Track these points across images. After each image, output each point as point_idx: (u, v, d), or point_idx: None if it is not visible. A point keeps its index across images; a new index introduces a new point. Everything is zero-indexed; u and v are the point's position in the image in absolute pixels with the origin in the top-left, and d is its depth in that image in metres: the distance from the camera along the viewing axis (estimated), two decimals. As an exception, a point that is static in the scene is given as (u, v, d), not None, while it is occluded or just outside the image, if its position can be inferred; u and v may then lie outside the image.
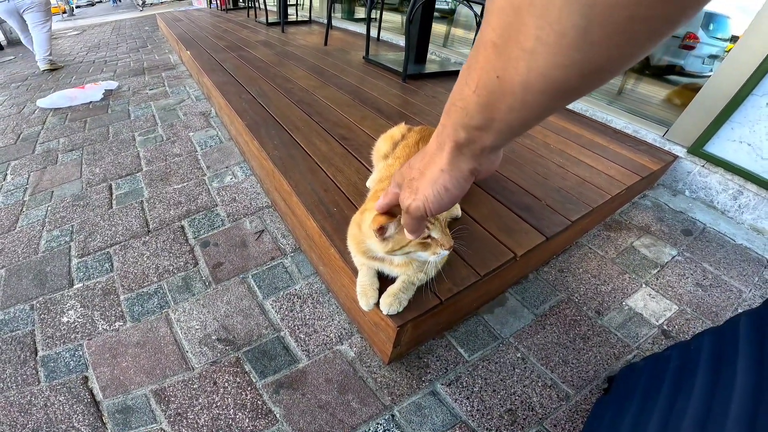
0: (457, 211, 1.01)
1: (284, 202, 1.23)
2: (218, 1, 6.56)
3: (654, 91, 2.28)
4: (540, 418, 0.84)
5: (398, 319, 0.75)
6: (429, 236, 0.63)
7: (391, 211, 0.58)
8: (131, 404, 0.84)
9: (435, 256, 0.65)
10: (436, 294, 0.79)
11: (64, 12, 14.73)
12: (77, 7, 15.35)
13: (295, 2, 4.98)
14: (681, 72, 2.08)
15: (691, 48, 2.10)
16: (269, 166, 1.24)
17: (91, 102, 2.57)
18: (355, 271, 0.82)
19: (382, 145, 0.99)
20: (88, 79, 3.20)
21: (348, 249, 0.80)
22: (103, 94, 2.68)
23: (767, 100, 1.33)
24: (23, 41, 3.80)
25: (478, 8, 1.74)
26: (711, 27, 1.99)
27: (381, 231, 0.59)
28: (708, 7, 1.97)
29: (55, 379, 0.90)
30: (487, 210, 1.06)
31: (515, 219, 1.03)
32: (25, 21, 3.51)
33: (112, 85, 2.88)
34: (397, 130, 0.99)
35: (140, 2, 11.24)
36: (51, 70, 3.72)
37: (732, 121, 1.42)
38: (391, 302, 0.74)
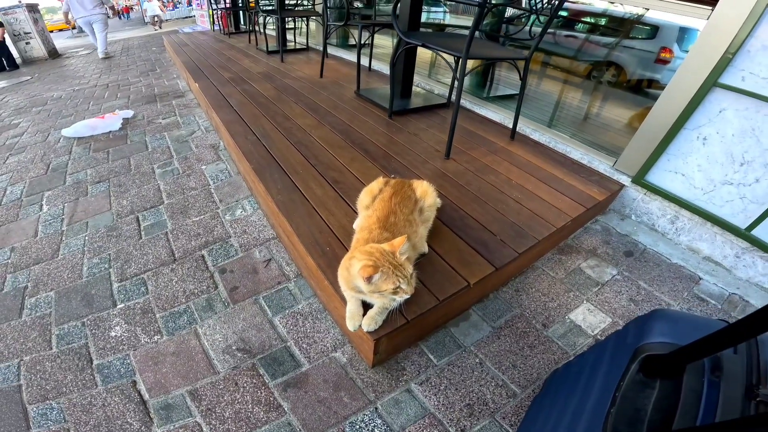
0: (425, 248, 1.26)
1: (287, 238, 1.48)
2: (221, 24, 6.87)
3: (618, 115, 2.53)
4: (492, 412, 1.08)
5: (374, 335, 1.00)
6: (399, 287, 0.91)
7: (376, 264, 0.86)
8: (172, 402, 1.09)
9: (400, 298, 0.94)
10: (404, 315, 1.05)
11: (74, 28, 15.01)
12: (72, 28, 15.75)
13: (293, 26, 5.27)
14: (657, 86, 2.27)
15: (666, 62, 2.32)
16: (274, 208, 1.50)
17: (110, 132, 2.82)
18: (343, 299, 1.08)
19: (363, 198, 1.26)
20: (105, 107, 3.48)
21: (339, 283, 1.07)
22: (122, 123, 2.93)
23: (698, 134, 1.55)
24: (91, 39, 6.60)
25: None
26: (684, 42, 2.19)
27: (368, 279, 0.87)
28: (682, 22, 2.20)
29: (109, 383, 1.15)
30: (449, 245, 1.31)
31: (472, 253, 1.29)
32: (92, 28, 6.14)
33: (129, 113, 3.14)
34: (376, 185, 1.26)
35: (156, 27, 12.05)
36: (106, 58, 6.32)
37: (668, 153, 1.65)
38: (369, 323, 1.00)
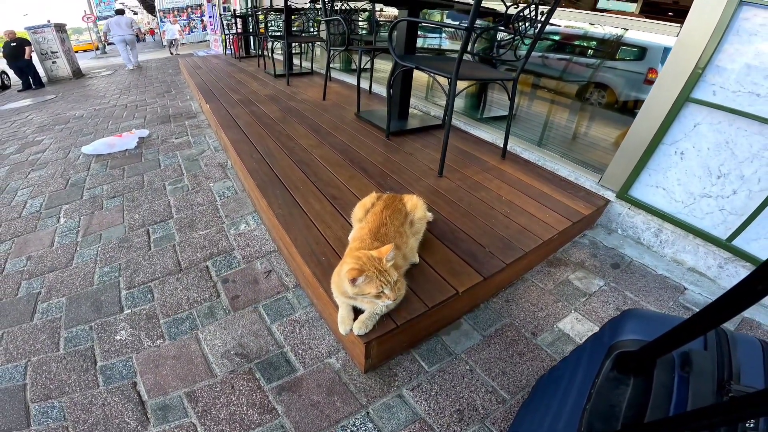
0: (415, 258, 1.29)
1: (287, 250, 1.52)
2: (233, 48, 7.16)
3: (606, 134, 2.58)
4: (482, 417, 1.08)
5: (365, 338, 1.02)
6: (382, 291, 0.94)
7: (362, 268, 0.89)
8: (169, 403, 1.10)
9: (383, 304, 0.98)
10: (393, 320, 1.07)
11: (97, 49, 15.85)
12: (109, 44, 16.50)
13: (299, 52, 5.47)
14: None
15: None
16: (275, 222, 1.54)
17: (126, 150, 2.92)
18: (337, 306, 1.10)
19: (357, 211, 1.31)
20: (123, 126, 3.61)
21: (332, 290, 1.10)
22: (137, 142, 3.04)
23: (675, 149, 1.57)
24: (122, 55, 8.41)
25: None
26: None
27: (353, 281, 0.90)
28: (668, 43, 2.26)
29: (110, 383, 1.16)
30: (440, 257, 1.34)
31: (461, 263, 1.31)
32: (125, 45, 8.03)
33: (144, 132, 3.25)
34: (369, 200, 1.31)
35: (172, 50, 12.25)
36: (135, 69, 8.09)
37: (648, 168, 1.68)
38: (360, 326, 1.02)
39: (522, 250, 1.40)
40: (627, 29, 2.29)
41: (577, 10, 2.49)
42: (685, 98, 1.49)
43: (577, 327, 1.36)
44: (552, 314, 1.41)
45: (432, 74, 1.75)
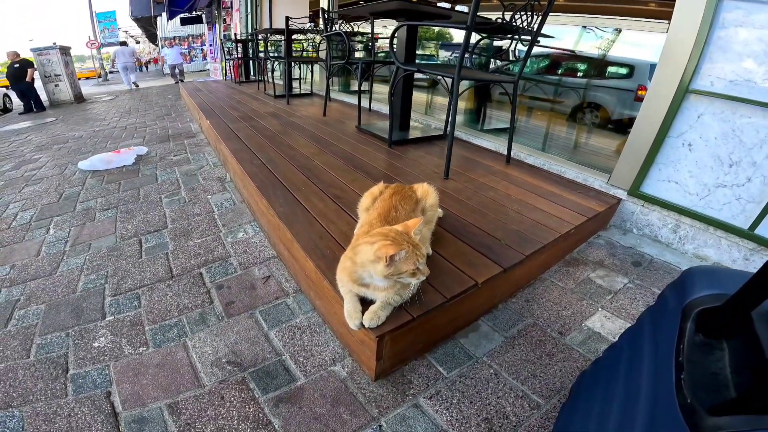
0: (428, 250, 1.15)
1: (287, 251, 1.37)
2: (232, 74, 7.27)
3: (606, 143, 2.53)
4: (514, 425, 0.90)
5: (377, 331, 0.86)
6: (418, 268, 0.81)
7: (399, 244, 0.76)
8: (146, 415, 0.91)
9: (417, 281, 0.84)
10: (409, 312, 0.91)
11: (99, 76, 15.66)
12: (110, 72, 16.23)
13: (298, 76, 5.53)
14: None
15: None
16: (275, 220, 1.41)
17: (124, 166, 2.80)
18: (343, 300, 0.95)
19: (364, 201, 1.18)
20: (121, 144, 3.50)
21: (337, 282, 0.95)
22: (135, 158, 2.92)
23: (682, 141, 1.50)
24: (123, 78, 10.25)
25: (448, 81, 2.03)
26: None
27: (391, 258, 0.77)
28: (655, 59, 2.28)
29: (81, 393, 0.97)
30: (453, 249, 1.20)
31: (477, 255, 1.17)
32: (126, 70, 9.88)
33: (143, 150, 3.14)
34: (376, 188, 1.19)
35: (177, 79, 10.86)
36: (133, 89, 9.39)
37: (658, 163, 1.60)
38: (371, 317, 0.86)
39: (540, 242, 1.26)
40: (620, 30, 2.31)
41: (570, 14, 2.51)
42: (684, 90, 1.46)
43: (608, 325, 1.20)
44: (578, 313, 1.25)
45: (434, 75, 1.70)
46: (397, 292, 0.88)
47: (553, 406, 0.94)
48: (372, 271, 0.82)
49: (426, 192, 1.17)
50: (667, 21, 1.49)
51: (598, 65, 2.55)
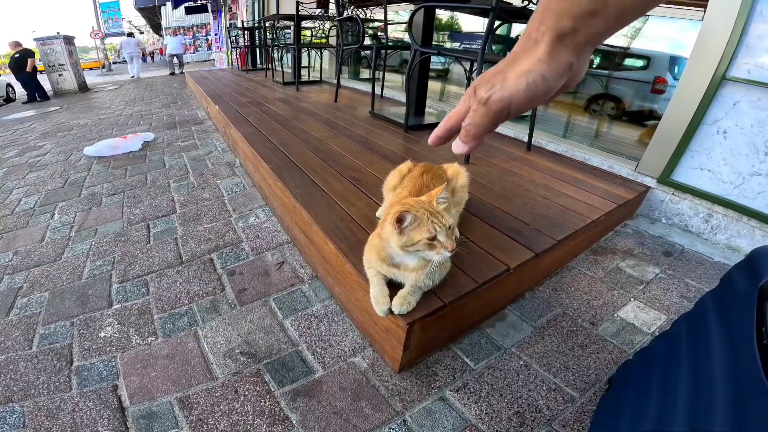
0: (456, 233, 1.07)
1: (303, 235, 1.30)
2: (239, 63, 7.12)
3: (627, 133, 2.43)
4: (548, 419, 0.83)
5: (407, 318, 0.78)
6: (435, 238, 0.70)
7: (408, 209, 0.68)
8: (156, 410, 0.85)
9: (439, 256, 0.71)
10: (440, 298, 0.83)
11: (103, 67, 15.46)
12: (114, 63, 16.22)
13: (307, 65, 5.39)
14: (655, 116, 2.19)
15: (661, 92, 2.22)
16: (291, 202, 1.33)
17: (131, 152, 2.72)
18: (368, 283, 0.87)
19: (391, 179, 1.09)
20: (128, 131, 3.41)
21: (363, 264, 0.88)
22: (142, 144, 2.84)
23: (717, 128, 1.43)
24: (129, 66, 10.54)
25: (467, 64, 1.94)
26: (676, 70, 2.14)
27: (400, 222, 0.68)
28: (672, 51, 2.17)
29: (86, 386, 0.91)
30: (482, 233, 1.12)
31: (507, 240, 1.09)
32: (132, 59, 10.16)
33: (150, 136, 3.05)
34: (405, 166, 1.10)
35: (177, 70, 10.12)
36: (136, 79, 9.44)
37: (690, 150, 1.51)
38: (401, 303, 0.79)
39: (571, 228, 1.18)
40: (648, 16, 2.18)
41: None
42: (721, 77, 1.38)
43: (642, 316, 1.12)
44: (609, 303, 1.17)
45: (456, 58, 1.60)
46: (428, 275, 0.80)
47: (589, 398, 0.87)
48: (392, 243, 0.74)
49: (456, 172, 1.08)
50: (702, 9, 1.43)
51: (614, 57, 2.43)
